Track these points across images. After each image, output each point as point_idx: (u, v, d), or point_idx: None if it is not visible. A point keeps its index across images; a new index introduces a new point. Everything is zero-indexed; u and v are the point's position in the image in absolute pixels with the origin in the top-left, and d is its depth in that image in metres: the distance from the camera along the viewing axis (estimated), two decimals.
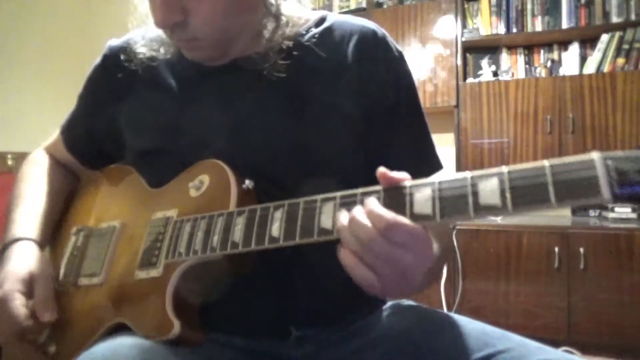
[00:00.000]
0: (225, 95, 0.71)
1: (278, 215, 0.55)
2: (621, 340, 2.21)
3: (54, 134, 0.88)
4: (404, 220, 0.47)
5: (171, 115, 0.71)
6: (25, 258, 0.70)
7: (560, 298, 2.29)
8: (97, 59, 0.81)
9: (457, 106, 2.79)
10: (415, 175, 0.51)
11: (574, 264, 2.28)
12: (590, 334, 2.25)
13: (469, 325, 0.65)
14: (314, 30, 0.73)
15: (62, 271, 0.74)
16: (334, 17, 0.76)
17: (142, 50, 0.74)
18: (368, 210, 0.48)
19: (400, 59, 0.74)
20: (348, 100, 0.70)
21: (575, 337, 2.25)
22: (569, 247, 2.30)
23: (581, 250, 2.27)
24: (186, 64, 0.72)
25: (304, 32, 0.73)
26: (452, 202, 0.46)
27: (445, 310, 2.33)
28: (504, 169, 0.45)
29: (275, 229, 0.55)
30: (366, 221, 0.47)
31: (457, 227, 2.48)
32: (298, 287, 0.65)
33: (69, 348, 0.67)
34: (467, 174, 0.47)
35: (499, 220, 2.60)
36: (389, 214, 0.47)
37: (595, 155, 0.41)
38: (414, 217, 0.48)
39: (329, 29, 0.74)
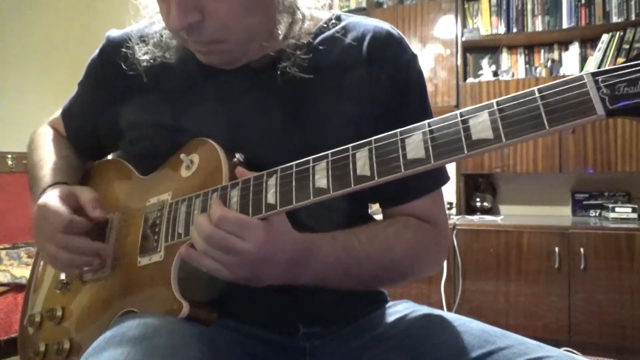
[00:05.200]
0: (226, 95, 0.71)
1: (272, 181, 0.56)
2: (621, 340, 2.21)
3: (56, 112, 0.89)
4: (233, 212, 0.56)
5: (170, 114, 0.71)
6: (57, 188, 0.71)
7: (560, 298, 2.29)
8: (97, 50, 0.80)
9: (457, 106, 2.79)
10: (413, 184, 0.52)
11: (574, 264, 2.28)
12: (591, 334, 2.24)
13: (469, 323, 0.66)
14: (328, 32, 0.72)
15: None
16: (348, 17, 0.75)
17: (143, 54, 0.72)
18: (208, 211, 0.57)
19: (413, 60, 0.73)
20: (356, 100, 0.69)
21: (576, 337, 2.25)
22: (569, 247, 2.30)
23: (581, 250, 2.26)
24: (186, 63, 0.71)
25: (317, 32, 0.72)
26: (445, 142, 0.46)
27: (445, 310, 2.33)
28: (493, 101, 0.45)
29: (271, 195, 0.55)
30: (204, 218, 0.55)
31: (457, 227, 2.48)
32: (304, 286, 0.66)
33: (82, 341, 0.68)
34: (457, 112, 0.46)
35: (499, 220, 2.60)
36: (220, 208, 0.55)
37: (584, 74, 0.40)
38: (408, 163, 0.47)
39: (343, 29, 0.73)
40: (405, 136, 0.48)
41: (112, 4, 3.24)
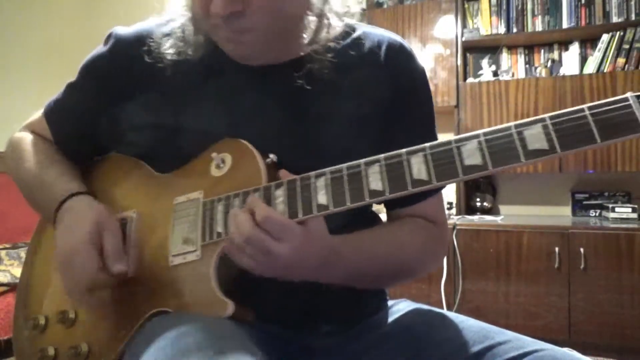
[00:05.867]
0: (228, 94, 0.71)
1: (321, 183, 0.57)
2: (621, 340, 2.21)
3: (33, 115, 0.84)
4: (277, 213, 0.56)
5: (176, 111, 0.71)
6: (88, 209, 0.68)
7: (560, 298, 2.29)
8: (101, 49, 0.76)
9: (457, 106, 2.79)
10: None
11: (574, 264, 2.28)
12: (591, 334, 2.25)
13: (467, 321, 0.70)
14: (346, 39, 0.73)
15: None
16: (361, 26, 0.78)
17: (168, 48, 0.71)
18: (249, 206, 0.57)
19: (423, 73, 0.77)
20: (365, 102, 0.72)
21: (576, 337, 2.25)
22: (569, 247, 2.30)
23: (581, 250, 2.26)
24: (191, 62, 0.71)
25: (337, 39, 0.73)
26: (502, 151, 0.50)
27: (445, 310, 2.33)
28: (545, 116, 0.49)
29: (322, 196, 0.56)
30: (247, 215, 0.56)
31: (457, 227, 2.48)
32: (321, 286, 0.67)
33: (104, 344, 0.66)
34: (511, 124, 0.50)
35: (499, 220, 2.60)
36: (266, 208, 0.56)
37: (629, 95, 0.46)
38: (465, 169, 0.51)
39: (359, 37, 0.75)
40: (460, 144, 0.52)
41: (112, 4, 3.24)
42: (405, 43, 0.77)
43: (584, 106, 0.47)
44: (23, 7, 2.77)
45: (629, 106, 0.46)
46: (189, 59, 0.70)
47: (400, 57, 0.75)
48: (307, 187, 0.57)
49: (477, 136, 0.51)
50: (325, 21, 0.69)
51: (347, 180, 0.56)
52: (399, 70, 0.74)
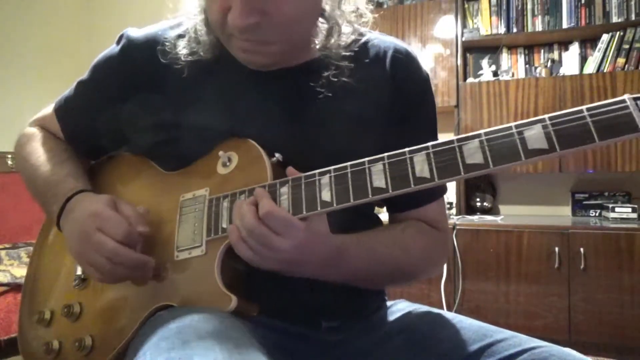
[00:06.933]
0: (235, 95, 0.72)
1: (325, 180, 0.58)
2: (621, 340, 2.21)
3: (44, 110, 0.86)
4: (280, 209, 0.57)
5: (188, 111, 0.72)
6: (97, 198, 0.69)
7: (560, 298, 2.29)
8: (114, 48, 0.77)
9: (457, 106, 2.79)
10: (424, 191, 0.55)
11: (574, 264, 2.28)
12: (591, 334, 2.25)
13: (466, 320, 0.71)
14: (353, 47, 0.73)
15: None
16: (370, 33, 0.79)
17: (182, 49, 0.71)
18: (253, 199, 0.59)
19: (427, 80, 0.79)
20: (371, 106, 0.73)
21: (576, 337, 2.25)
22: (569, 247, 2.30)
23: (581, 250, 2.26)
24: (202, 63, 0.71)
25: (345, 47, 0.73)
26: (502, 150, 0.51)
27: (445, 310, 2.33)
28: (545, 116, 0.50)
29: (326, 193, 0.57)
30: (250, 208, 0.57)
31: (457, 227, 2.48)
32: (323, 284, 0.68)
33: (108, 337, 0.67)
34: (511, 125, 0.52)
35: (499, 220, 2.60)
36: (270, 203, 0.57)
37: (626, 97, 0.48)
38: (467, 167, 0.52)
39: (366, 43, 0.76)
40: (462, 143, 0.53)
41: (111, 4, 3.24)
42: (411, 50, 0.79)
43: (583, 107, 0.49)
44: (23, 7, 2.77)
45: (627, 107, 0.47)
46: (200, 59, 0.71)
47: (406, 64, 0.76)
48: (312, 184, 0.59)
49: (478, 136, 0.52)
50: (336, 27, 0.70)
51: (350, 177, 0.57)
52: (404, 76, 0.75)
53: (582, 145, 0.48)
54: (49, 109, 0.85)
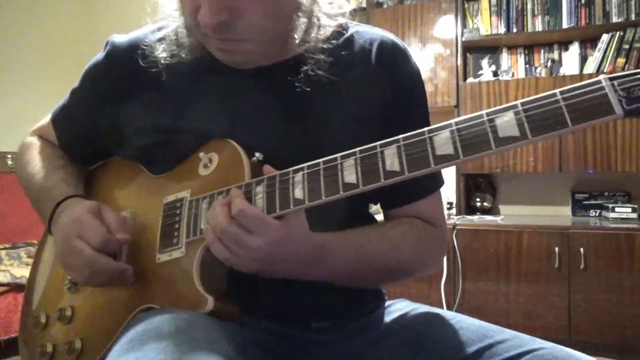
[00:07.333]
0: (221, 96, 0.72)
1: (299, 177, 0.57)
2: (621, 340, 2.21)
3: (42, 120, 0.88)
4: (253, 208, 0.56)
5: (172, 114, 0.72)
6: (83, 203, 0.70)
7: (560, 298, 2.29)
8: (99, 55, 0.79)
9: (457, 106, 2.79)
10: (416, 186, 0.53)
11: (574, 264, 2.28)
12: (591, 334, 2.25)
13: (466, 320, 0.70)
14: (337, 39, 0.73)
15: None
16: (354, 26, 0.77)
17: (161, 52, 0.72)
18: (227, 199, 0.58)
19: (417, 72, 0.77)
20: (360, 102, 0.72)
21: (576, 337, 2.25)
22: (569, 247, 2.30)
23: (581, 250, 2.27)
24: (186, 64, 0.72)
25: (328, 38, 0.73)
26: (473, 139, 0.49)
27: (445, 309, 2.33)
28: (517, 102, 0.48)
29: (299, 190, 0.56)
30: (223, 208, 0.57)
31: (457, 227, 2.48)
32: (312, 284, 0.67)
33: (96, 340, 0.67)
34: (482, 112, 0.50)
35: (499, 220, 2.60)
36: (242, 202, 0.56)
37: (601, 77, 0.45)
38: (437, 159, 0.50)
39: (351, 36, 0.75)
40: (433, 134, 0.51)
41: (111, 5, 3.24)
42: (399, 41, 0.77)
43: (556, 90, 0.46)
44: (23, 7, 2.77)
45: (602, 88, 0.44)
46: (183, 61, 0.71)
47: (392, 56, 0.74)
48: (285, 182, 0.57)
49: (449, 125, 0.50)
50: (315, 21, 0.69)
51: (322, 174, 0.56)
52: (391, 69, 0.74)
53: (554, 131, 0.46)
54: (47, 118, 0.87)
